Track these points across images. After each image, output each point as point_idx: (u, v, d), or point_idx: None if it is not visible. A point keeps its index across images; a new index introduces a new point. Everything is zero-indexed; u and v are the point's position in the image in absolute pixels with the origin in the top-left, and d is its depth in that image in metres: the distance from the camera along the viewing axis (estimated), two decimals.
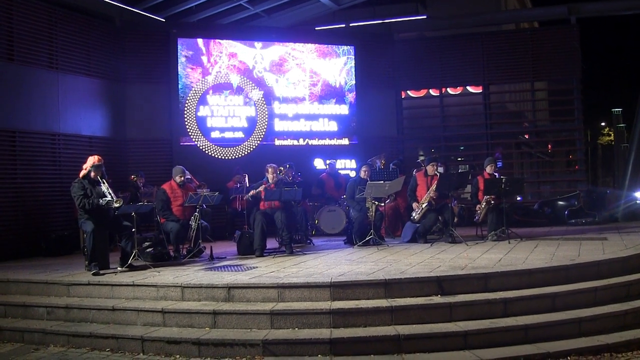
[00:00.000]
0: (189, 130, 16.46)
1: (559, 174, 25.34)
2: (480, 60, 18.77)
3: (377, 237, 11.97)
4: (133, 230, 9.76)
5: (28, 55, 13.54)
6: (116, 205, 9.60)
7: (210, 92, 16.78)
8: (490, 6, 27.43)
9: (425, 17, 21.26)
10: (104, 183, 9.78)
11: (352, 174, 16.74)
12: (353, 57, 18.37)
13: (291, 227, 11.87)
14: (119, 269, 9.64)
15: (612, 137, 58.42)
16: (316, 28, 19.72)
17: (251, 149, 16.98)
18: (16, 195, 13.11)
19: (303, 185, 12.39)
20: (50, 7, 14.18)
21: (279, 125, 17.43)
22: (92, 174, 9.80)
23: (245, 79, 17.11)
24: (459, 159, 22.85)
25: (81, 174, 9.82)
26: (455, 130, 19.89)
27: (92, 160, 9.88)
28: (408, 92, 19.79)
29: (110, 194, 9.68)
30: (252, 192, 11.72)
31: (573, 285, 8.06)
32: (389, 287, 7.62)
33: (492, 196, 12.09)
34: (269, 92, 17.37)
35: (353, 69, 18.32)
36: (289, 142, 17.49)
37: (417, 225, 12.36)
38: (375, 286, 7.64)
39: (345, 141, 18.06)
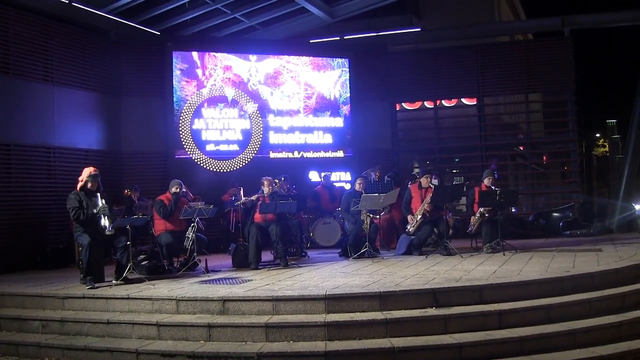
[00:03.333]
0: (184, 143, 16.49)
1: (554, 185, 25.45)
2: (475, 72, 18.83)
3: (372, 249, 11.94)
4: (128, 243, 9.76)
5: (23, 68, 13.59)
6: (108, 233, 9.60)
7: (205, 105, 16.82)
8: (484, 18, 27.53)
9: (419, 29, 21.34)
10: (101, 197, 9.77)
11: (347, 186, 16.76)
12: (347, 69, 18.45)
13: (286, 239, 11.85)
14: (114, 282, 9.62)
15: (607, 149, 58.49)
16: (311, 41, 19.79)
17: (246, 162, 17.01)
18: (11, 209, 13.13)
19: (298, 198, 12.40)
20: (45, 20, 14.24)
21: (274, 138, 17.47)
22: (89, 184, 9.78)
23: (240, 91, 17.15)
24: (454, 170, 22.85)
25: (78, 187, 9.80)
26: (449, 142, 19.91)
27: (87, 171, 9.86)
28: (402, 104, 19.82)
29: (105, 214, 9.65)
30: (243, 199, 11.76)
31: (568, 296, 8.07)
32: (383, 299, 7.61)
33: (487, 208, 12.10)
34: (264, 104, 17.42)
35: (347, 82, 18.40)
36: (283, 154, 17.52)
37: (412, 237, 12.36)
38: (370, 299, 7.63)
39: (340, 154, 18.10)
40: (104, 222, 9.61)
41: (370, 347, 6.82)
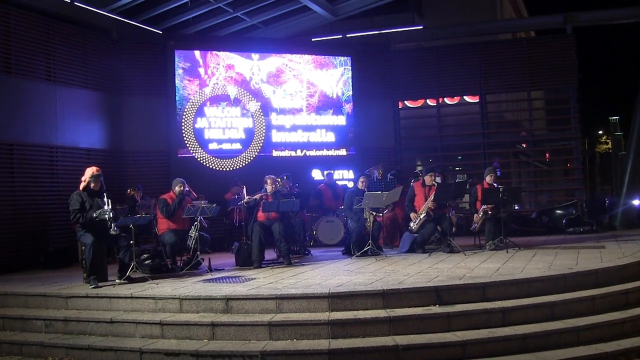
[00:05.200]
0: (186, 142, 16.49)
1: (557, 182, 25.37)
2: (477, 70, 18.81)
3: (375, 247, 11.96)
4: (131, 242, 9.76)
5: (26, 68, 13.58)
6: (112, 233, 9.55)
7: (208, 103, 16.82)
8: (486, 16, 27.55)
9: (421, 27, 21.34)
10: (104, 196, 9.78)
11: (350, 184, 16.75)
12: (350, 67, 18.43)
13: (289, 238, 11.85)
14: (117, 281, 9.63)
15: (609, 145, 58.46)
16: (313, 39, 19.79)
17: (249, 161, 17.00)
18: (14, 208, 13.13)
19: (300, 196, 12.40)
20: (47, 20, 14.24)
21: (277, 137, 17.47)
22: (92, 184, 9.78)
23: (242, 90, 17.15)
24: (457, 168, 22.86)
25: (81, 186, 9.79)
26: (452, 140, 19.90)
27: (90, 171, 9.85)
28: (405, 102, 19.81)
29: (108, 205, 9.64)
30: (247, 198, 11.77)
31: (571, 294, 8.07)
32: (387, 297, 7.61)
33: (490, 206, 12.09)
34: (266, 103, 17.41)
35: (350, 80, 18.38)
36: (286, 153, 17.52)
37: (415, 235, 12.35)
38: (374, 296, 7.64)
39: (343, 152, 18.10)
40: (107, 221, 9.62)
41: (374, 345, 6.83)
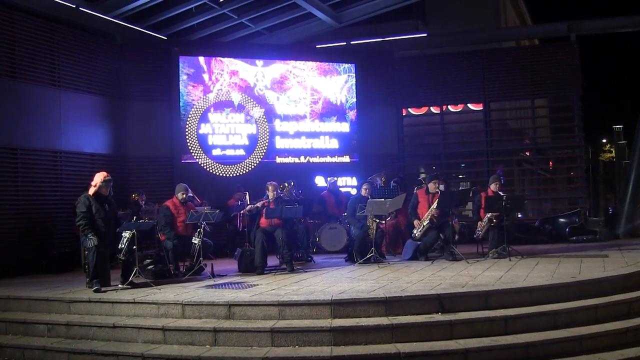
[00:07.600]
0: (190, 147, 16.51)
1: (560, 191, 25.32)
2: (481, 78, 18.80)
3: (378, 254, 11.94)
4: (134, 247, 9.75)
5: (30, 73, 13.62)
6: (121, 257, 9.65)
7: (212, 109, 16.84)
8: (490, 23, 27.56)
9: (425, 34, 21.35)
10: (109, 205, 9.82)
11: (353, 191, 16.73)
12: (354, 74, 18.45)
13: (292, 244, 11.85)
14: (119, 286, 9.63)
15: (613, 154, 58.27)
16: (317, 46, 19.80)
17: (252, 167, 17.01)
18: (17, 213, 13.15)
19: (304, 203, 12.39)
20: (52, 25, 14.28)
21: (280, 143, 17.48)
22: (103, 189, 9.80)
23: (246, 96, 17.17)
24: (460, 176, 22.84)
25: (91, 191, 9.77)
26: (456, 147, 19.89)
27: (101, 176, 9.85)
28: (409, 109, 19.81)
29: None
30: (249, 207, 11.77)
31: (574, 302, 8.04)
32: (389, 304, 7.60)
33: (495, 214, 12.06)
34: (270, 109, 17.43)
35: (354, 87, 18.40)
36: (290, 159, 17.53)
37: (418, 242, 12.34)
38: (376, 304, 7.63)
39: (346, 159, 18.10)
40: (122, 245, 9.64)
41: (376, 352, 6.81)
